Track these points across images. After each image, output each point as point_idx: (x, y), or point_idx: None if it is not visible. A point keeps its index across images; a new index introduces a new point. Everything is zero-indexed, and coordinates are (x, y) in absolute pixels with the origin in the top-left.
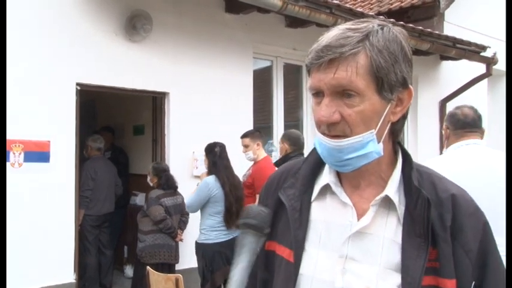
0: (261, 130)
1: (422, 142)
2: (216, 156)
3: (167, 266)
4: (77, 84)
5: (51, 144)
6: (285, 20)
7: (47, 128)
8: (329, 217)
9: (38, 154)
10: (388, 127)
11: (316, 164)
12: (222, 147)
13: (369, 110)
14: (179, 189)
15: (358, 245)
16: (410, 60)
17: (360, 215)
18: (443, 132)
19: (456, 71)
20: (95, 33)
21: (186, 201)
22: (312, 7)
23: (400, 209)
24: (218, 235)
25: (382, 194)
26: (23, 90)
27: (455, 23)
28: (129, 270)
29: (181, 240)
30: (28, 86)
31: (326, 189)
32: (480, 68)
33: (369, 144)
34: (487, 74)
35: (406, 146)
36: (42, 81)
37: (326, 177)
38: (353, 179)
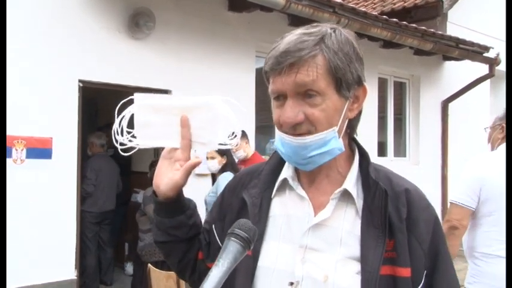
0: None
1: (424, 142)
2: (231, 156)
3: (167, 264)
4: (80, 81)
5: (54, 141)
6: (288, 19)
7: (49, 124)
8: (289, 211)
9: (40, 151)
10: (346, 123)
11: (278, 164)
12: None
13: (331, 108)
14: None
15: (317, 236)
16: (361, 59)
17: (317, 208)
18: (500, 130)
19: (459, 72)
20: (98, 30)
21: (207, 198)
22: (315, 6)
23: (359, 202)
24: None
25: (341, 188)
26: (26, 86)
27: (459, 24)
28: (129, 268)
29: None
30: (31, 82)
31: (285, 184)
32: (483, 69)
33: (332, 141)
34: (490, 75)
35: (407, 146)
36: (44, 78)
37: (284, 172)
38: (310, 173)
